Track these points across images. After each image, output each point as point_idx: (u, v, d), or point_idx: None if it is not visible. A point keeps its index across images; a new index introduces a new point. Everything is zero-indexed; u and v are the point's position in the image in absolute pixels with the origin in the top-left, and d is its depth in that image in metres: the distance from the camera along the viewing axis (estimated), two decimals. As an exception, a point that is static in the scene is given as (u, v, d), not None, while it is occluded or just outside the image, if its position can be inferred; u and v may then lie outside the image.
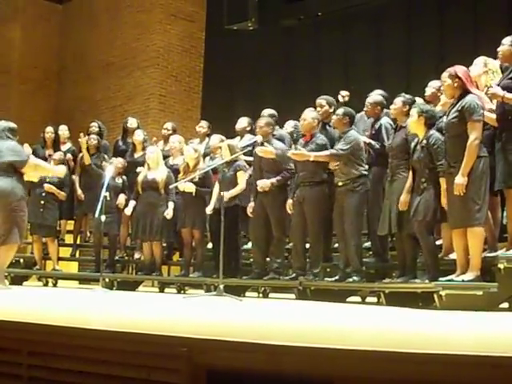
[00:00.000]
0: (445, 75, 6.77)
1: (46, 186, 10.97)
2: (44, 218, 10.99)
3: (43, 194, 10.99)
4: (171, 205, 10.00)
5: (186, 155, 10.00)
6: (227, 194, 8.83)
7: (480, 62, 7.02)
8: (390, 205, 7.41)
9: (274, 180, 8.79)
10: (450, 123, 6.60)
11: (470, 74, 6.77)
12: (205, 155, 10.50)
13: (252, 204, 9.03)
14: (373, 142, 8.18)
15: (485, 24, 11.87)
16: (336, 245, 8.63)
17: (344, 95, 9.62)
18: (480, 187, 6.42)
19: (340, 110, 8.30)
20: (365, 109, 8.60)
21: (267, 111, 9.77)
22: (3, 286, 8.54)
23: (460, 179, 6.38)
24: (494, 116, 6.70)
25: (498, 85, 6.63)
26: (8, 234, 8.40)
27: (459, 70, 6.68)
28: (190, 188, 9.55)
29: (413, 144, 7.17)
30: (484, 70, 6.92)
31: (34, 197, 10.91)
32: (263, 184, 8.80)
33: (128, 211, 10.39)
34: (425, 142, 6.98)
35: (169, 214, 9.95)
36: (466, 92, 6.57)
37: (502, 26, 11.25)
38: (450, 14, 12.60)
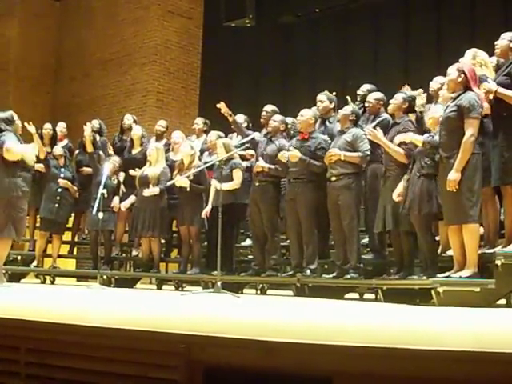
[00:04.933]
0: (452, 68, 6.71)
1: (62, 182, 11.01)
2: (58, 214, 11.03)
3: (59, 191, 11.03)
4: (156, 188, 9.97)
5: (182, 152, 9.98)
6: (224, 186, 8.82)
7: (469, 54, 7.00)
8: (385, 202, 7.42)
9: (268, 166, 8.84)
10: (447, 117, 6.60)
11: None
12: (202, 151, 10.51)
13: None
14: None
15: (482, 19, 11.90)
16: (333, 242, 8.62)
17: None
18: (473, 184, 6.42)
19: (348, 107, 8.31)
20: (366, 104, 8.56)
21: (270, 107, 9.72)
22: (2, 284, 8.51)
23: (453, 175, 6.38)
24: (487, 105, 6.71)
25: (494, 81, 6.64)
26: (2, 228, 8.33)
27: (466, 66, 6.68)
28: (185, 183, 9.54)
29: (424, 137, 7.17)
30: (472, 63, 6.89)
31: (49, 193, 10.96)
32: (257, 164, 8.91)
33: (124, 206, 10.38)
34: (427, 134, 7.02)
35: (146, 191, 9.93)
36: (467, 89, 6.57)
37: (499, 21, 11.29)
38: (447, 10, 12.61)
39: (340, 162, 7.99)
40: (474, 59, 6.92)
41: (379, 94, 8.52)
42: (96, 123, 12.09)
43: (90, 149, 11.07)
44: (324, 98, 8.97)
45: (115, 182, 10.68)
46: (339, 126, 8.40)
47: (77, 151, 11.82)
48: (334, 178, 8.06)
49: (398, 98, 7.69)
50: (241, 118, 10.31)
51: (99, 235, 10.26)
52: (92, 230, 10.66)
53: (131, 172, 10.73)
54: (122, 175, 10.90)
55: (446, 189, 6.44)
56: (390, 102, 7.86)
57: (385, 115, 8.27)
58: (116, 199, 10.58)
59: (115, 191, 10.65)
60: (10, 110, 8.80)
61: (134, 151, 11.17)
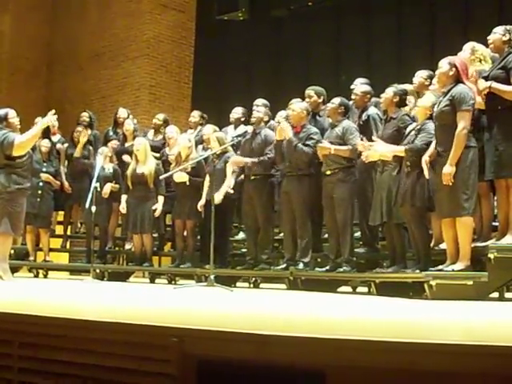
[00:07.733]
0: (444, 62, 6.67)
1: (44, 176, 10.99)
2: (40, 208, 10.99)
3: (41, 184, 10.99)
4: (161, 199, 9.98)
5: (179, 145, 9.99)
6: (219, 196, 8.94)
7: (467, 48, 6.99)
8: (381, 194, 7.42)
9: (249, 160, 8.87)
10: (440, 112, 6.59)
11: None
12: (196, 144, 10.52)
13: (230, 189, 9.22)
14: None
15: (475, 12, 11.91)
16: (326, 235, 8.63)
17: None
18: (468, 177, 6.42)
19: (336, 100, 8.27)
20: (353, 97, 8.55)
21: (260, 101, 9.75)
22: (10, 278, 8.45)
23: (448, 169, 6.38)
24: (481, 100, 6.71)
25: (487, 76, 6.63)
26: None
27: (458, 60, 6.67)
28: (184, 177, 9.54)
29: (408, 129, 7.17)
30: (471, 58, 6.88)
31: (31, 187, 10.90)
32: (237, 159, 8.99)
33: (122, 208, 10.32)
34: (419, 127, 7.01)
35: (158, 209, 9.94)
36: (458, 82, 6.56)
37: (493, 15, 11.30)
38: (440, 4, 12.62)
39: (333, 156, 7.99)
40: (474, 54, 6.90)
41: (366, 87, 8.50)
42: (86, 116, 12.09)
43: (78, 154, 11.16)
44: (312, 93, 8.97)
45: (111, 170, 10.63)
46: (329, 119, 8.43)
47: (66, 145, 11.81)
48: (328, 172, 8.05)
49: (389, 92, 7.64)
50: (239, 111, 10.32)
51: (93, 229, 10.23)
52: (88, 223, 10.62)
53: (124, 158, 10.75)
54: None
55: (441, 182, 6.45)
56: (381, 96, 7.84)
57: (372, 110, 8.27)
58: (107, 186, 10.52)
59: (113, 179, 10.60)
60: (7, 109, 8.75)
61: (127, 144, 11.18)
